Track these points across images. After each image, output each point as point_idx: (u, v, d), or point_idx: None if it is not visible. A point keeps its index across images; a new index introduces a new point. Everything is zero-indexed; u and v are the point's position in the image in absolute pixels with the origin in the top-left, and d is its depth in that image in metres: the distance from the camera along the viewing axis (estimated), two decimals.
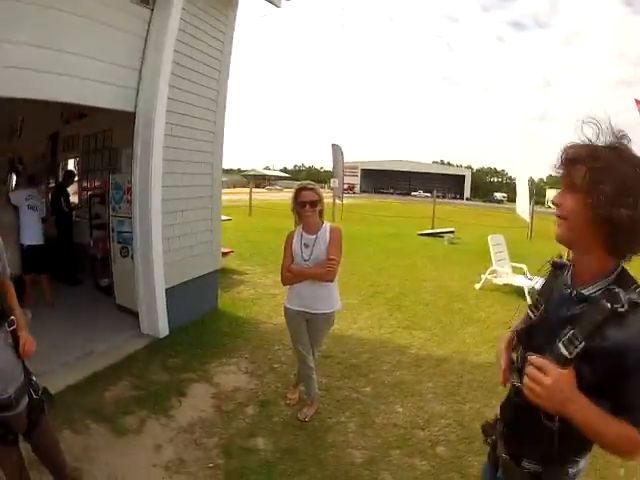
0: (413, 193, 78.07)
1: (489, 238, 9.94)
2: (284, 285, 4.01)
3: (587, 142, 1.46)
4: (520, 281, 9.05)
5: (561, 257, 1.78)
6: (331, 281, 3.82)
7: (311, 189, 3.78)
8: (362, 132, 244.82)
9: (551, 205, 1.62)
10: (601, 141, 1.44)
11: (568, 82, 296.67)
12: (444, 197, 57.96)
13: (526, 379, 1.43)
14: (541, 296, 1.69)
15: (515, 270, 9.63)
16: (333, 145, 23.91)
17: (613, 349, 1.37)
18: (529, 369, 1.43)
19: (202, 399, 4.22)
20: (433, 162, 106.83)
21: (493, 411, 4.17)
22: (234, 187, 56.17)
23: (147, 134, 5.24)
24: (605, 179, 1.38)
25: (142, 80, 5.23)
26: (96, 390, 4.21)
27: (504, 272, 9.48)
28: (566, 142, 1.51)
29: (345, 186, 32.73)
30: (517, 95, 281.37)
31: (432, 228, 18.35)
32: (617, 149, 1.42)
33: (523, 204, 21.09)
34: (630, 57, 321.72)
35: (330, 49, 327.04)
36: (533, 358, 1.43)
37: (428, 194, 62.10)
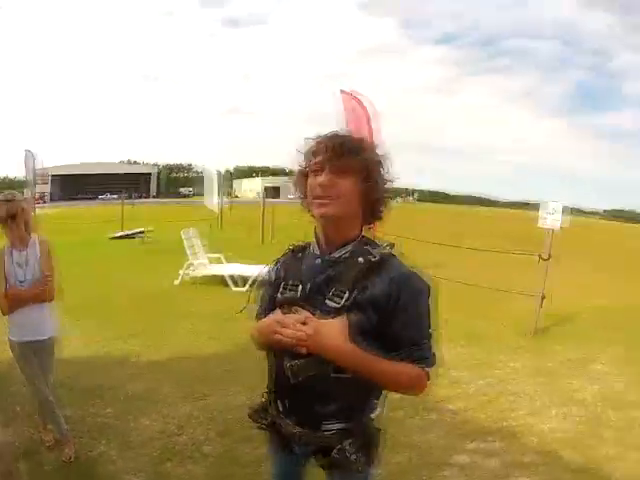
0: (100, 196, 74.93)
1: (182, 233, 10.33)
2: (4, 315, 3.57)
3: (343, 134, 1.76)
4: (219, 269, 9.75)
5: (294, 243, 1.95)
6: (51, 300, 3.59)
7: (10, 200, 3.43)
8: (56, 135, 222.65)
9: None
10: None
11: (270, 77, 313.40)
12: (131, 197, 56.97)
13: (288, 330, 1.60)
14: (289, 278, 1.81)
15: (212, 260, 10.23)
16: (26, 151, 21.67)
17: (377, 294, 1.64)
18: (289, 319, 1.63)
19: None
20: (120, 162, 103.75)
21: (238, 398, 4.54)
22: None
23: None
24: (373, 163, 1.71)
25: None
26: None
27: (201, 264, 9.93)
28: (324, 133, 1.73)
29: (36, 195, 30.07)
30: (214, 89, 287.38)
31: (123, 230, 18.08)
32: (368, 141, 1.80)
33: (212, 196, 22.05)
34: (346, 55, 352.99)
35: (43, 42, 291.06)
36: (298, 312, 1.65)
37: (116, 195, 60.46)
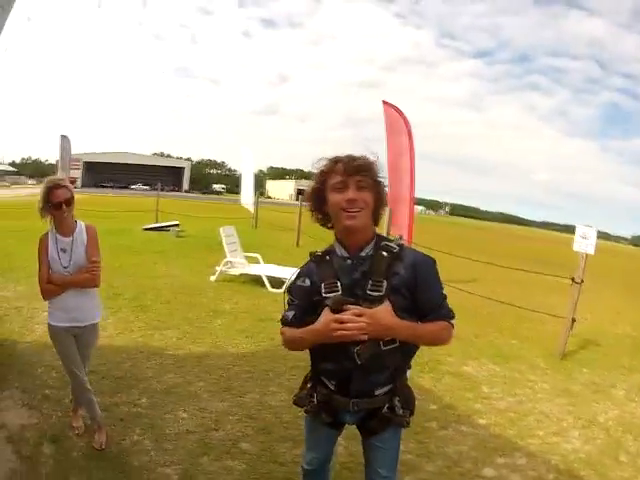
0: (132, 186, 75.89)
1: (221, 230, 10.31)
2: (45, 300, 3.54)
3: (357, 155, 2.12)
4: (256, 269, 9.75)
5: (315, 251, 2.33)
6: (97, 286, 3.59)
7: (64, 186, 3.39)
8: (88, 122, 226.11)
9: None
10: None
11: (305, 80, 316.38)
12: (162, 190, 57.20)
13: (349, 325, 1.97)
14: (326, 279, 2.17)
15: (250, 259, 10.27)
16: (62, 136, 22.24)
17: (405, 277, 2.09)
18: (347, 316, 1.99)
19: (1, 447, 3.61)
20: (154, 154, 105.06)
21: (276, 397, 4.71)
22: None
23: None
24: (379, 179, 2.16)
25: None
26: None
27: (239, 262, 9.98)
28: (345, 154, 2.14)
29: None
30: (249, 89, 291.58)
31: (156, 222, 18.14)
32: (374, 161, 2.16)
33: (247, 195, 22.14)
34: (379, 63, 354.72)
35: (81, 32, 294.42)
36: (350, 308, 2.01)
37: (147, 187, 61.31)
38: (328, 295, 2.11)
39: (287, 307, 2.31)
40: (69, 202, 3.39)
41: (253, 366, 5.40)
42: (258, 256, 10.34)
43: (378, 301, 2.03)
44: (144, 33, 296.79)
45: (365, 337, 1.98)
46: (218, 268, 9.74)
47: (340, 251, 2.19)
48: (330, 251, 2.24)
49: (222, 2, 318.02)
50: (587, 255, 6.72)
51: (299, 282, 2.28)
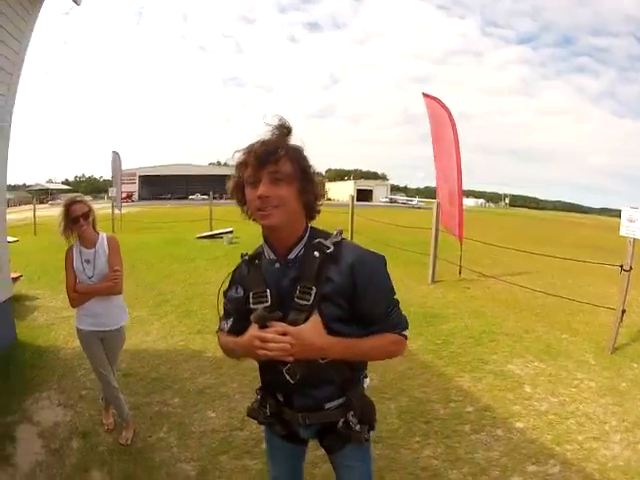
0: (191, 197, 77.51)
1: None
2: (74, 307, 3.86)
3: (269, 141, 1.79)
4: None
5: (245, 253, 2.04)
6: (120, 293, 3.88)
7: (80, 201, 3.73)
8: (142, 137, 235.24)
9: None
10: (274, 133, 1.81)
11: (357, 80, 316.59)
12: (221, 198, 57.72)
13: (272, 344, 1.70)
14: (253, 287, 1.90)
15: None
16: (113, 152, 23.25)
17: (340, 283, 1.77)
18: (269, 334, 1.71)
19: (32, 441, 4.00)
20: (210, 164, 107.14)
21: None
22: (20, 205, 51.19)
23: None
24: (305, 165, 1.82)
25: None
26: None
27: None
28: (260, 139, 1.81)
29: (123, 194, 32.00)
30: (301, 94, 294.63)
31: (210, 230, 18.36)
32: (294, 146, 1.83)
33: None
34: (429, 57, 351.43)
35: (122, 50, 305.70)
36: (273, 325, 1.74)
37: (205, 196, 62.45)
38: (255, 307, 1.84)
39: (223, 311, 2.09)
40: (86, 215, 3.70)
41: None
42: None
43: (307, 311, 1.76)
44: (188, 46, 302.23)
45: (290, 359, 1.73)
46: None
47: (268, 253, 1.92)
48: (260, 253, 1.97)
49: (263, 9, 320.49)
50: (635, 240, 6.18)
51: (231, 289, 2.03)
